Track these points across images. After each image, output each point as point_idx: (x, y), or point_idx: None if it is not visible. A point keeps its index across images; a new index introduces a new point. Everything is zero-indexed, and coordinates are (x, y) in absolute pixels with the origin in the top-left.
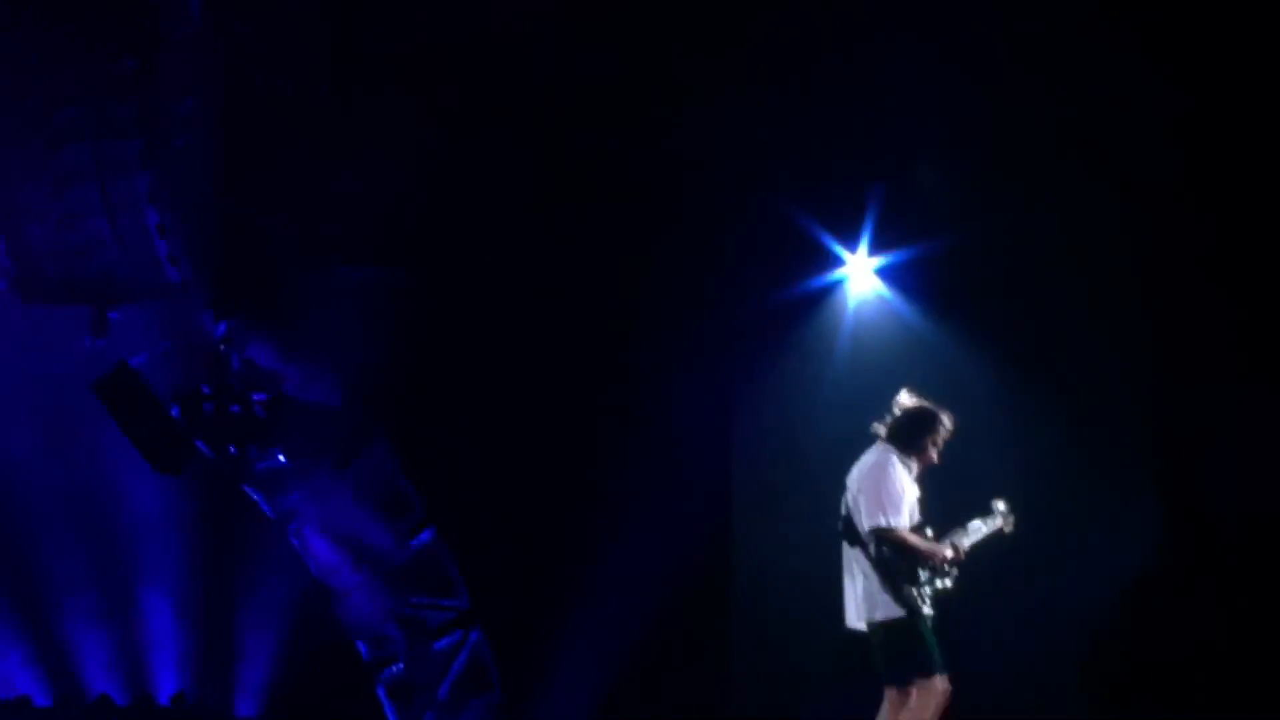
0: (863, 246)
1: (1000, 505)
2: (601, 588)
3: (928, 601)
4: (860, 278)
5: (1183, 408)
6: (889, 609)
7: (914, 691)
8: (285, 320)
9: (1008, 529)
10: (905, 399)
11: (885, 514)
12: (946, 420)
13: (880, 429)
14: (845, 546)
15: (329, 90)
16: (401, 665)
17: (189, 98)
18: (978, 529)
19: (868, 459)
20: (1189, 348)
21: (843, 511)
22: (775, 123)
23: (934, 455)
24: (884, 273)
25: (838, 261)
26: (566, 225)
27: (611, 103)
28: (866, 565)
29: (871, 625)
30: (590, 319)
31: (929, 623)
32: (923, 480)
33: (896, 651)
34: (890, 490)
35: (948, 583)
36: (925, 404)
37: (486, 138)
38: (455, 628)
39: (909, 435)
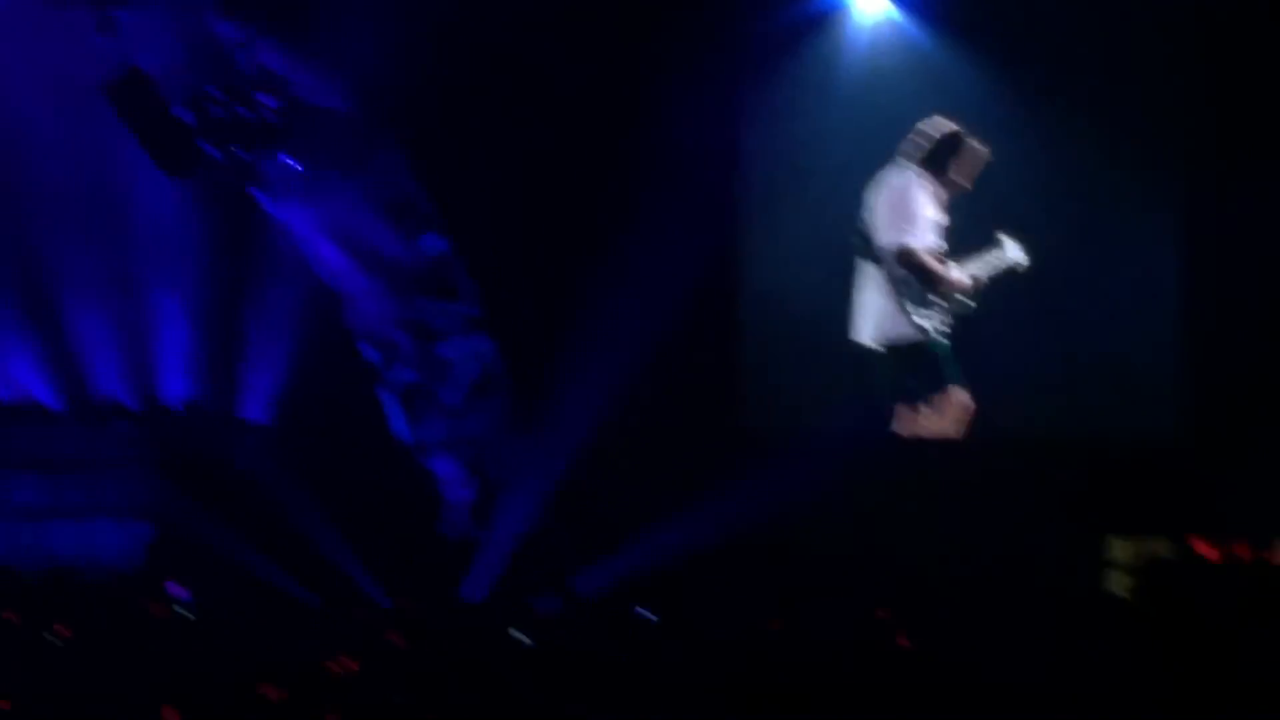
0: None
1: (1008, 239)
2: (611, 297)
3: (942, 326)
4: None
5: (1211, 140)
6: (902, 330)
7: (938, 408)
8: (296, 24)
9: (1023, 266)
10: (936, 123)
11: (905, 232)
12: (977, 146)
13: (905, 151)
14: (860, 262)
15: None
16: (409, 371)
17: None
18: (993, 261)
19: (891, 178)
20: (1227, 79)
21: (859, 226)
22: None
23: (964, 182)
24: None
25: None
26: None
27: None
28: (882, 282)
29: (887, 345)
30: (601, 29)
31: (944, 348)
32: (949, 208)
33: (908, 371)
34: (911, 209)
35: (964, 310)
36: (957, 128)
37: None
38: (464, 333)
39: (933, 157)
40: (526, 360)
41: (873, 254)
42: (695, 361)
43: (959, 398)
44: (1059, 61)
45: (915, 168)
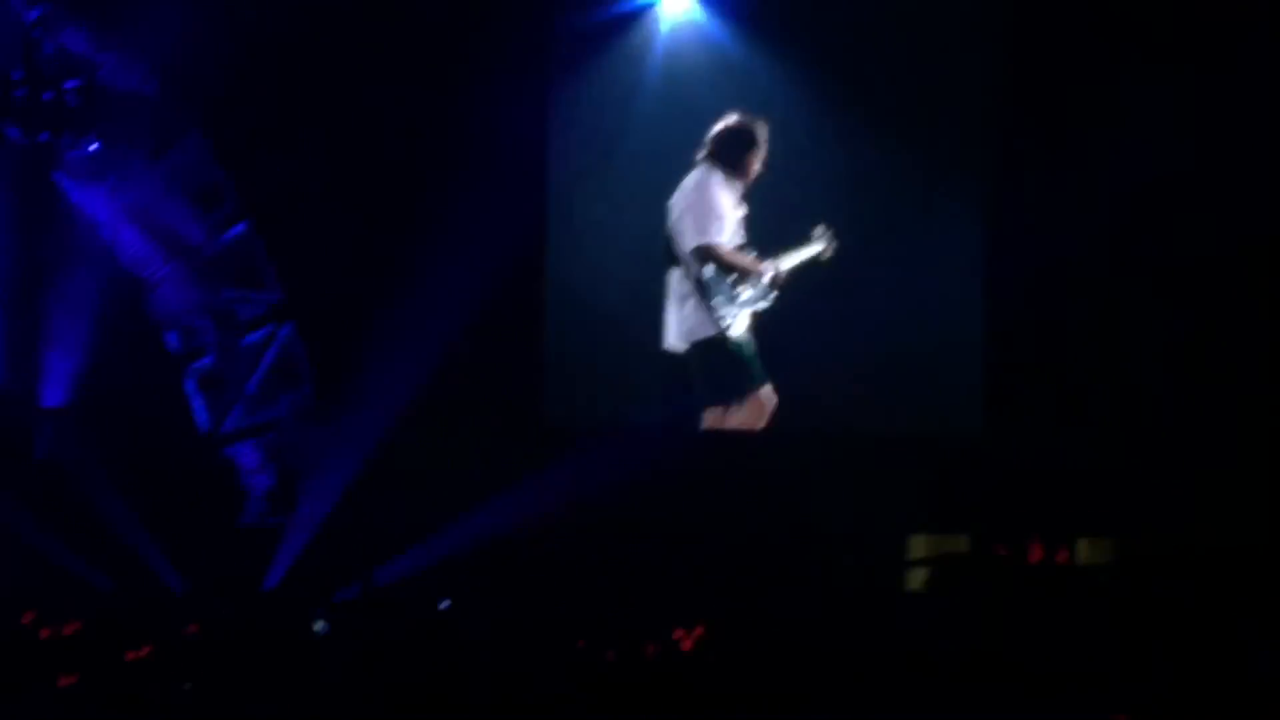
0: None
1: (818, 230)
2: (415, 288)
3: (746, 321)
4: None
5: (1010, 139)
6: (706, 328)
7: (743, 404)
8: (99, 6)
9: (826, 255)
10: (726, 120)
11: (706, 232)
12: (762, 131)
13: (700, 152)
14: (668, 269)
15: None
16: (211, 358)
17: None
18: (797, 252)
19: (689, 180)
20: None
21: (666, 231)
22: None
23: (756, 169)
24: None
25: None
26: None
27: None
28: (687, 286)
29: (693, 343)
30: (410, 18)
31: (748, 344)
32: (748, 198)
33: (713, 370)
34: (712, 208)
35: (766, 303)
36: (740, 118)
37: None
38: (266, 321)
39: (727, 151)
40: (329, 348)
41: (678, 256)
42: (501, 353)
43: (763, 393)
44: (861, 60)
45: (710, 166)
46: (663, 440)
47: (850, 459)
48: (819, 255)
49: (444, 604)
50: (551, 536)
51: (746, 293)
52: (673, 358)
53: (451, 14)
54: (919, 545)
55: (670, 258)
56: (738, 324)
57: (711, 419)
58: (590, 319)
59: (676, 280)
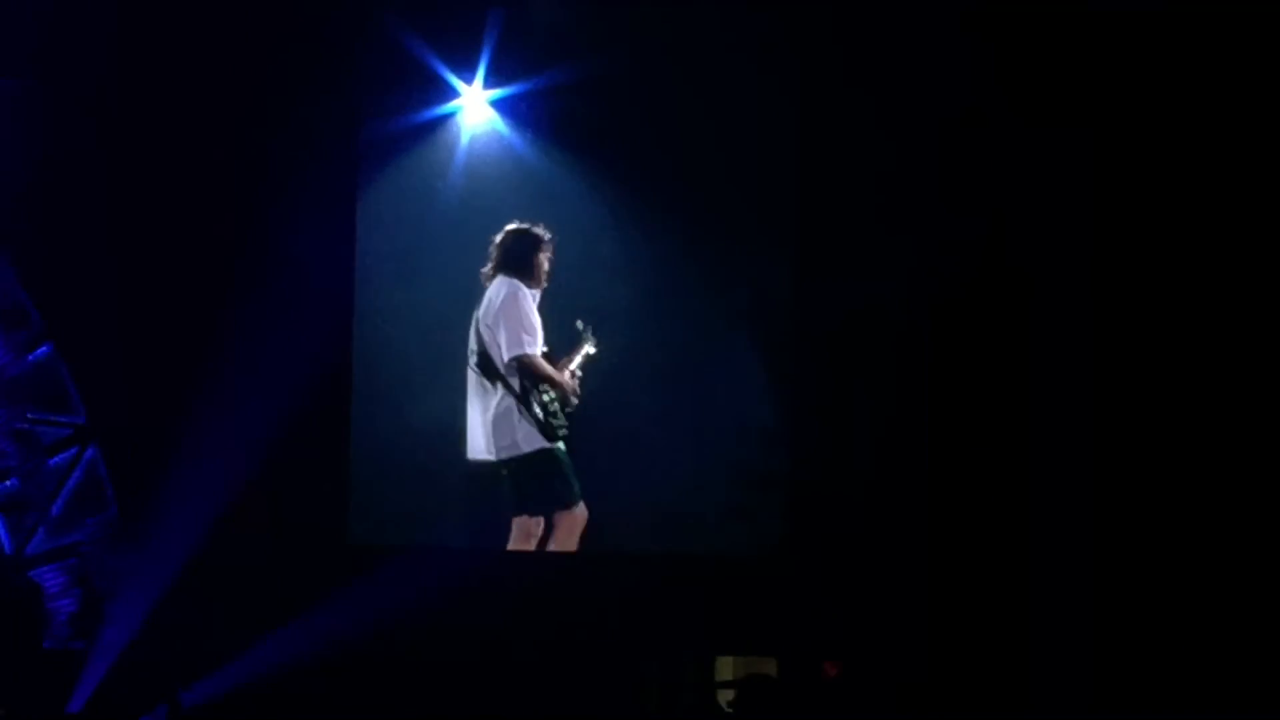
0: (479, 78)
1: (579, 324)
2: (220, 407)
3: (559, 434)
4: (475, 109)
5: (817, 234)
6: (530, 440)
7: (557, 521)
8: None
9: (593, 349)
10: (507, 229)
11: (523, 344)
12: (544, 233)
13: (488, 267)
14: (476, 378)
15: None
16: (14, 481)
17: None
18: (577, 353)
19: (497, 293)
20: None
21: (473, 345)
22: None
23: (545, 270)
24: (500, 105)
25: (453, 93)
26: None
27: None
28: (503, 396)
29: (509, 459)
30: (214, 130)
31: (563, 456)
32: (541, 308)
33: (536, 483)
34: (528, 319)
35: (570, 410)
36: (525, 226)
37: None
38: (71, 443)
39: (519, 258)
40: (133, 470)
41: (488, 367)
42: (307, 475)
43: (576, 509)
44: (661, 161)
45: (506, 276)
46: (470, 560)
47: (652, 576)
48: (591, 351)
49: None
50: (356, 657)
51: (558, 402)
52: (480, 468)
53: (255, 122)
54: (726, 666)
55: (485, 366)
56: (557, 434)
57: (520, 534)
58: (394, 433)
59: (490, 389)
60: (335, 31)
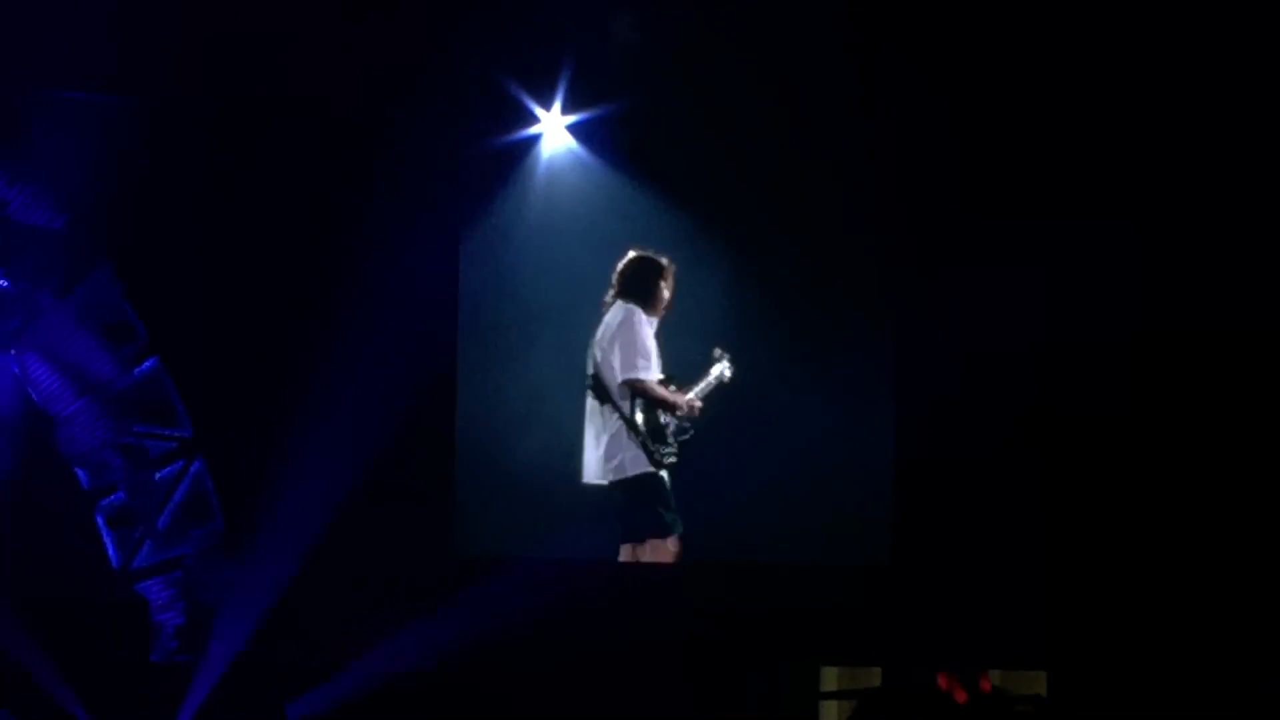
0: (556, 104)
1: (716, 352)
2: (325, 423)
3: (674, 457)
4: (554, 134)
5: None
6: (637, 463)
7: (649, 549)
8: (8, 144)
9: (728, 376)
10: (629, 257)
11: (637, 368)
12: (666, 262)
13: (609, 294)
14: (591, 402)
15: None
16: (121, 494)
17: None
18: (704, 380)
19: (614, 317)
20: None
21: (589, 369)
22: None
23: (666, 299)
24: (577, 129)
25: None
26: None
27: None
28: (616, 421)
29: (616, 481)
30: (321, 153)
31: (666, 481)
32: (659, 335)
33: (636, 507)
34: (643, 343)
35: (687, 437)
36: (647, 255)
37: None
38: (177, 457)
39: (641, 285)
40: (239, 483)
41: (601, 391)
42: (412, 488)
43: (669, 540)
44: (751, 183)
45: (625, 302)
46: (578, 571)
47: (759, 588)
48: (722, 377)
49: None
50: (463, 667)
51: (673, 427)
52: (593, 493)
53: (360, 147)
54: (832, 677)
55: (599, 390)
56: (665, 461)
57: (624, 554)
58: (500, 451)
59: (605, 414)
60: (431, 62)
